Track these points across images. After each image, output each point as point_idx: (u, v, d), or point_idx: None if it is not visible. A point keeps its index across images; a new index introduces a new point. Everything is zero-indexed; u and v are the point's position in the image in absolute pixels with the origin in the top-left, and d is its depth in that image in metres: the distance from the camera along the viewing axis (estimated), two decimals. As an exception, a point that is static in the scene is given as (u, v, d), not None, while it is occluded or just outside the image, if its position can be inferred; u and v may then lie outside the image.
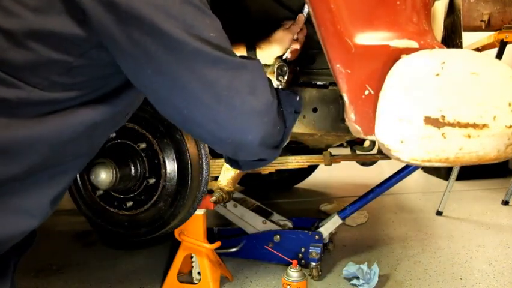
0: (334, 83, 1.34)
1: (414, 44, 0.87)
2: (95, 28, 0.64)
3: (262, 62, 1.10)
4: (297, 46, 1.15)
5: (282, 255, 1.55)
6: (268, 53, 1.13)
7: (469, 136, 0.78)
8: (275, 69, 1.21)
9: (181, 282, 1.41)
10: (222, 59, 0.68)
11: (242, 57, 0.74)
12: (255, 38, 1.15)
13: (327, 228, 1.57)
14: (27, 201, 0.70)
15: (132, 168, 1.26)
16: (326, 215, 2.06)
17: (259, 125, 0.72)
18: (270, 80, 0.78)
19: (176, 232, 1.37)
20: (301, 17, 1.10)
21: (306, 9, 1.09)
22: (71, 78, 0.67)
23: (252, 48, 1.13)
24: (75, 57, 0.66)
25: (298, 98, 0.87)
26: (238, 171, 1.44)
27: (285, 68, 1.19)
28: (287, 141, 0.86)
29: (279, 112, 0.78)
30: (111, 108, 0.74)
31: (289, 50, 1.15)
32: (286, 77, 1.20)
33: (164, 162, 1.26)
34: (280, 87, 1.21)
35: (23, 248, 0.79)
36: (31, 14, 0.63)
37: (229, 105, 0.69)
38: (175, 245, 1.47)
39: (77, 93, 0.69)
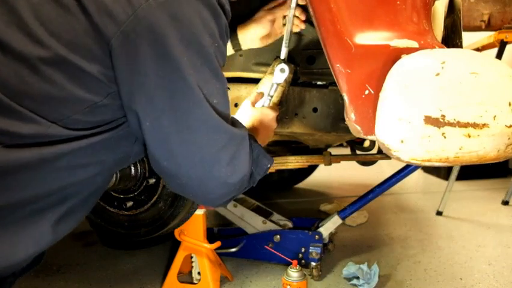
0: (334, 83, 1.34)
1: (414, 44, 0.87)
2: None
3: (246, 46, 1.11)
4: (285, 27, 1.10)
5: (282, 255, 1.55)
6: (245, 35, 1.10)
7: (469, 136, 0.78)
8: (275, 70, 1.21)
9: (181, 282, 1.40)
10: (218, 125, 0.72)
11: (232, 121, 0.78)
12: (237, 20, 1.10)
13: (327, 228, 1.57)
14: (27, 229, 0.66)
15: (132, 168, 1.26)
16: (326, 215, 2.06)
17: (224, 193, 0.78)
18: (254, 149, 0.83)
19: (176, 232, 1.37)
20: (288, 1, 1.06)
21: None
22: (93, 117, 0.67)
23: (232, 30, 1.09)
24: (101, 96, 0.66)
25: (269, 165, 0.92)
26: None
27: (285, 68, 1.19)
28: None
29: (251, 174, 0.84)
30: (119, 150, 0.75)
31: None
32: (286, 77, 1.20)
33: (164, 162, 1.26)
34: (281, 86, 1.21)
35: (23, 270, 0.75)
36: (62, 48, 0.62)
37: (206, 170, 0.73)
38: (175, 245, 1.47)
39: (94, 131, 0.68)
